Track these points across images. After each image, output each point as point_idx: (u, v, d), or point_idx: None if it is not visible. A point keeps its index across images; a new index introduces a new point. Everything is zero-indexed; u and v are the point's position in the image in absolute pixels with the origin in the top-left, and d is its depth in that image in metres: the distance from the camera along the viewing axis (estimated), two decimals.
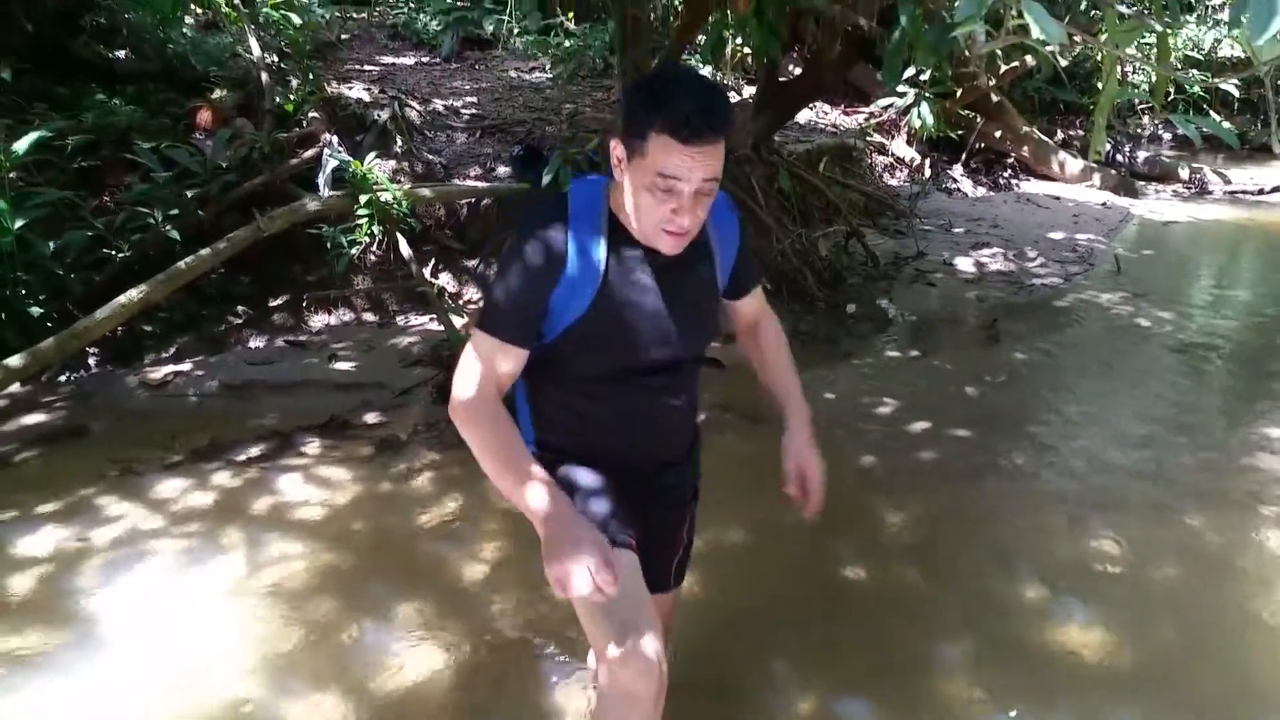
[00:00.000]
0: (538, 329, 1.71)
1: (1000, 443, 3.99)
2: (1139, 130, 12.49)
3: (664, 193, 1.56)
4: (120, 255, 4.63)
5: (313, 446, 3.78)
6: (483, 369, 1.69)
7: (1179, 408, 4.39)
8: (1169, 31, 2.12)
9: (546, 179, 5.22)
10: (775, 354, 2.02)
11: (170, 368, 4.53)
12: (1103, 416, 4.29)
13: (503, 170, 6.11)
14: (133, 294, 4.15)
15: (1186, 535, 3.27)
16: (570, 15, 8.89)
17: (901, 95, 8.45)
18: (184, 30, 6.62)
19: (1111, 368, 4.92)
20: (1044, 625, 2.75)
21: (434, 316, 5.02)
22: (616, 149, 1.63)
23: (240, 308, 5.04)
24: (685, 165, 1.53)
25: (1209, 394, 4.73)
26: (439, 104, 6.84)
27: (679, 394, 1.86)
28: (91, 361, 4.52)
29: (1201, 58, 11.91)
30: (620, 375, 1.78)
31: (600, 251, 1.67)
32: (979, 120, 10.03)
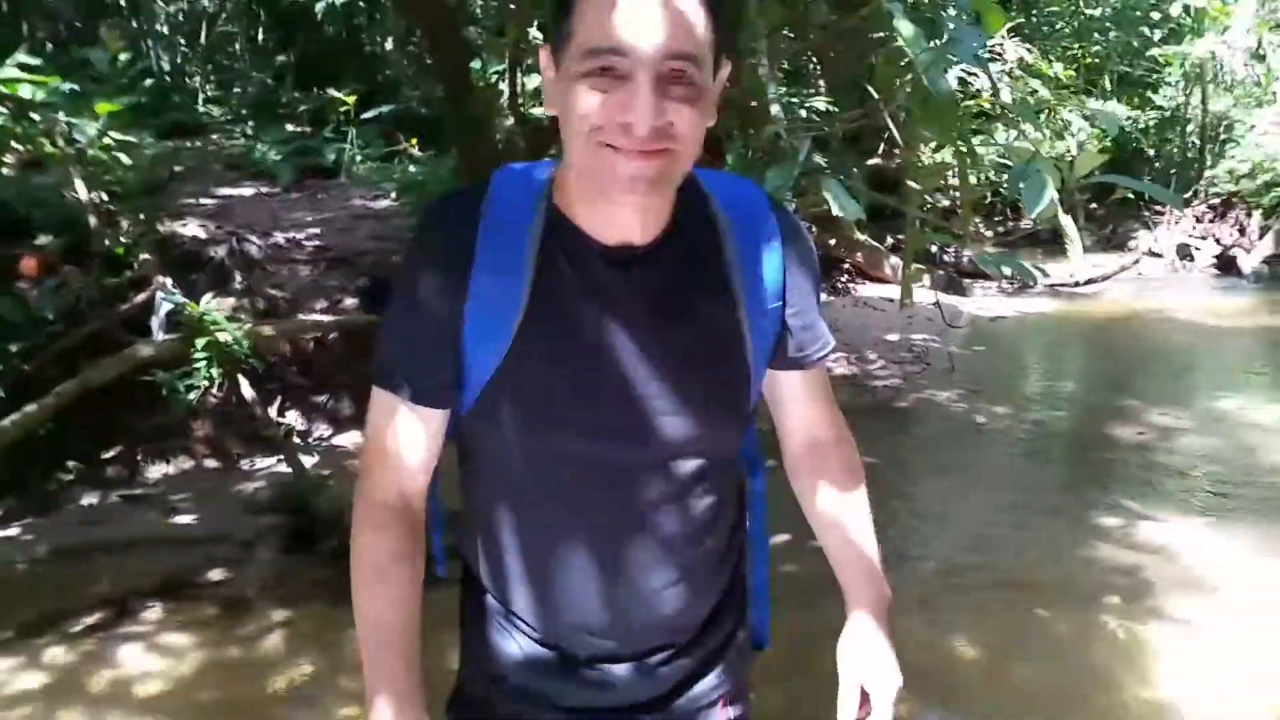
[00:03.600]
0: (449, 378, 1.11)
1: None
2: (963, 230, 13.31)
3: (601, 78, 0.94)
4: None
5: (153, 611, 3.56)
6: (374, 448, 1.17)
7: (1020, 503, 4.61)
8: (969, 160, 2.29)
9: None
10: (847, 504, 1.28)
11: None
12: (949, 516, 4.46)
13: (350, 302, 6.02)
14: None
15: (1040, 631, 3.39)
16: (413, 142, 8.96)
17: None
18: (4, 171, 6.36)
19: (953, 467, 5.14)
20: None
21: (281, 458, 4.85)
22: (544, 62, 1.06)
23: (70, 462, 4.75)
24: (630, 20, 0.92)
25: (1046, 488, 4.97)
26: (280, 236, 6.73)
27: (671, 524, 1.16)
28: None
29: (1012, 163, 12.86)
30: (559, 481, 1.14)
31: (527, 258, 1.07)
32: (813, 229, 10.52)
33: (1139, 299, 10.20)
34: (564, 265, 1.08)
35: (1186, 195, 12.72)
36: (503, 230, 1.07)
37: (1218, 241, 12.20)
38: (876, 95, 2.25)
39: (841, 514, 1.27)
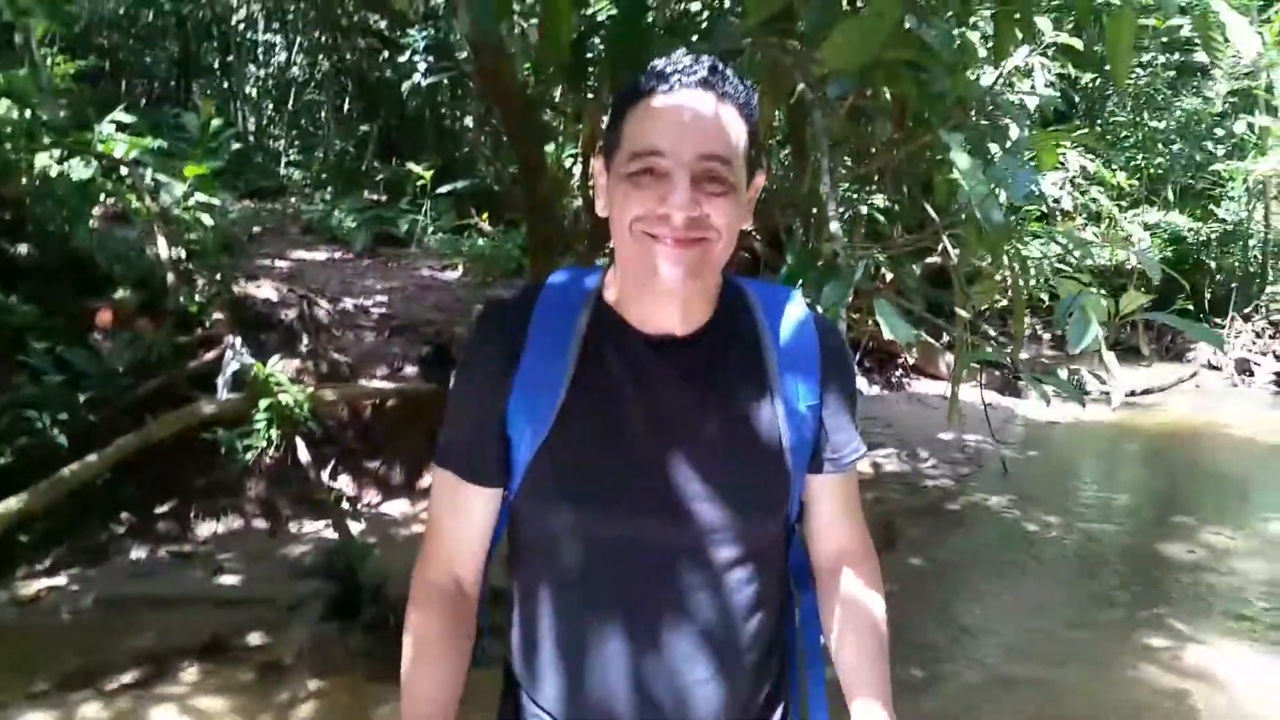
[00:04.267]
0: (498, 457, 1.18)
1: (898, 653, 4.03)
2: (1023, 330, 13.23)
3: (644, 176, 1.06)
4: (1, 460, 4.47)
5: (191, 672, 3.60)
6: (432, 525, 1.25)
7: (1067, 617, 4.53)
8: (1023, 271, 2.33)
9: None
10: (866, 623, 1.28)
11: (45, 582, 4.31)
12: (995, 627, 4.38)
13: (410, 370, 6.16)
14: (11, 503, 3.99)
15: None
16: (485, 217, 9.19)
17: None
18: (91, 224, 6.64)
19: (1002, 575, 5.06)
20: None
21: (329, 523, 4.93)
22: (597, 169, 1.18)
23: (124, 514, 4.86)
24: (667, 127, 1.06)
25: (1094, 602, 4.87)
26: (349, 302, 6.93)
27: (707, 612, 1.18)
28: None
29: (1072, 269, 12.82)
30: (596, 563, 1.18)
31: (572, 343, 1.16)
32: (870, 322, 10.54)
33: (1196, 412, 10.02)
34: (608, 351, 1.16)
35: (1247, 310, 12.54)
36: (552, 320, 1.17)
37: (1278, 357, 11.98)
38: (934, 213, 2.31)
39: (859, 632, 1.28)
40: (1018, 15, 2.29)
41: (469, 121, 11.22)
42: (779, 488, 1.20)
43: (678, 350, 1.17)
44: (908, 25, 2.19)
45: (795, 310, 1.24)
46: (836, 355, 1.25)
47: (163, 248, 5.96)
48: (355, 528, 4.76)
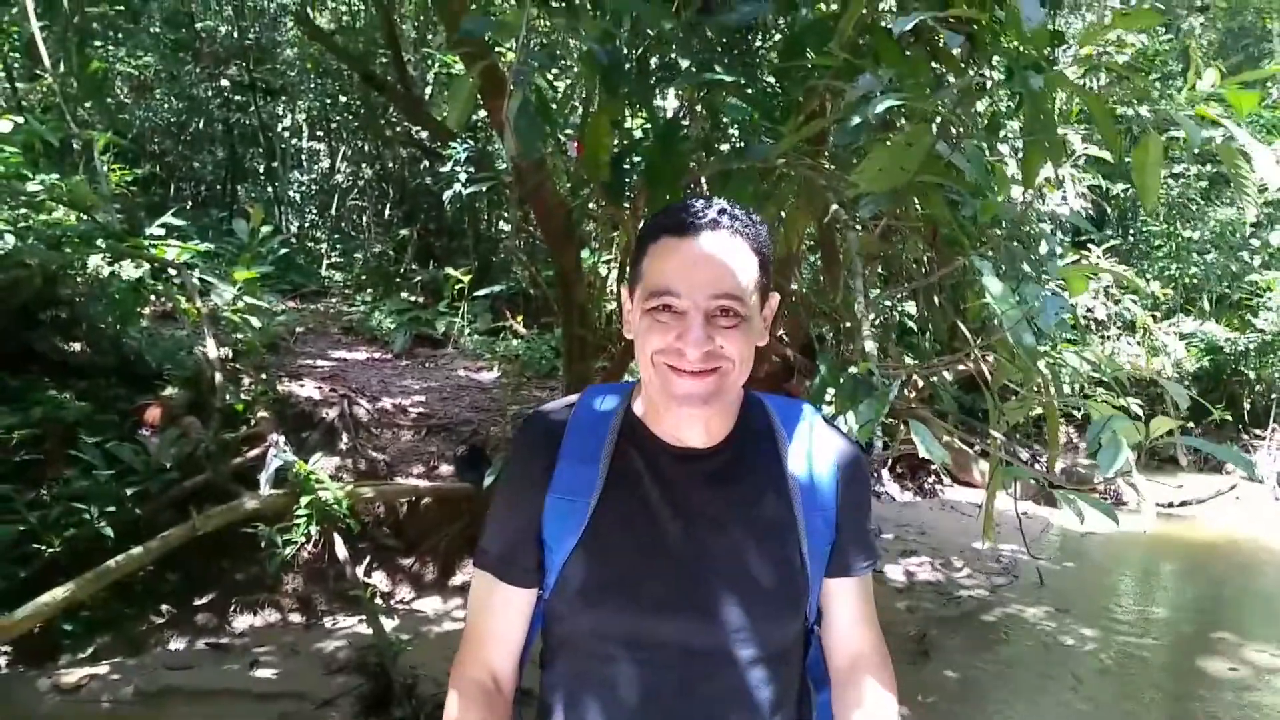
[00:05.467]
0: (535, 562, 1.28)
1: None
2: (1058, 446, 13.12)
3: (663, 311, 1.17)
4: (50, 550, 4.57)
5: None
6: (470, 624, 1.32)
7: None
8: (1054, 390, 2.38)
9: (489, 480, 5.35)
10: None
11: (86, 670, 4.37)
12: None
13: (446, 469, 6.23)
14: (57, 593, 4.07)
15: None
16: (520, 319, 9.39)
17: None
18: (141, 323, 6.86)
19: (1038, 690, 4.96)
20: None
21: (363, 618, 4.95)
22: (624, 296, 1.28)
23: (164, 606, 4.94)
24: (683, 268, 1.16)
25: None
26: (388, 401, 7.06)
27: (729, 707, 1.24)
28: (2, 661, 4.37)
29: (1104, 376, 12.79)
30: (623, 663, 1.23)
31: (603, 457, 1.26)
32: (903, 427, 10.53)
33: (1236, 525, 9.85)
34: (637, 461, 1.27)
35: None
36: (586, 429, 1.29)
37: None
38: (965, 331, 2.39)
39: None
40: (1046, 141, 2.40)
41: (506, 227, 11.53)
42: (798, 591, 1.27)
43: (702, 460, 1.27)
44: (938, 149, 2.30)
45: (813, 424, 1.34)
46: (852, 468, 1.33)
47: (211, 347, 6.14)
48: (388, 624, 4.78)
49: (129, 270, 6.53)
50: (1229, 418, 11.98)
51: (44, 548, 4.58)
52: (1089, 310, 11.29)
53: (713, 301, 1.16)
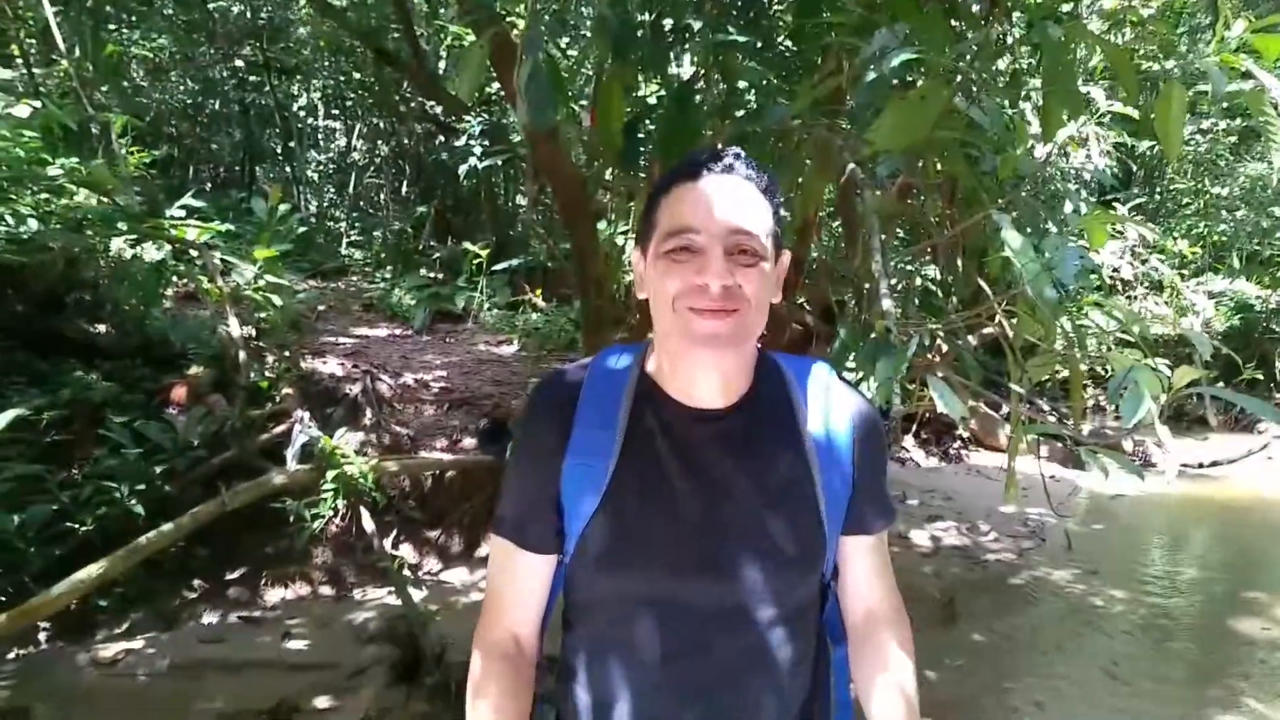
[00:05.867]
0: (553, 527, 1.27)
1: None
2: (1082, 402, 13.03)
3: (680, 253, 1.17)
4: (83, 529, 4.63)
5: None
6: (491, 591, 1.32)
7: (1135, 697, 4.41)
8: (1079, 350, 2.35)
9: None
10: (895, 683, 1.31)
11: (122, 645, 4.44)
12: (1061, 705, 4.28)
13: (468, 443, 6.26)
14: (91, 570, 4.12)
15: None
16: (538, 292, 9.39)
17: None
18: (164, 304, 6.91)
19: (1067, 653, 4.95)
20: None
21: (392, 590, 5.00)
22: (635, 258, 1.28)
23: (196, 581, 5.00)
24: (698, 207, 1.17)
25: (1164, 680, 4.73)
26: (409, 377, 7.09)
27: (751, 665, 1.25)
28: (42, 637, 4.45)
29: (1132, 338, 12.65)
30: (645, 627, 1.23)
31: (620, 414, 1.25)
32: (924, 389, 10.48)
33: (1267, 485, 9.75)
34: (653, 423, 1.26)
35: None
36: (600, 396, 1.27)
37: None
38: (987, 288, 2.36)
39: (889, 690, 1.31)
40: (1065, 93, 2.35)
41: (522, 201, 11.51)
42: (815, 549, 1.27)
43: (718, 421, 1.26)
44: (956, 104, 2.27)
45: (828, 383, 1.33)
46: (868, 426, 1.32)
47: (234, 326, 6.17)
48: (417, 595, 4.83)
49: (151, 252, 6.57)
50: (1260, 377, 11.84)
51: (77, 526, 4.64)
52: (1115, 270, 11.16)
53: (730, 237, 1.16)
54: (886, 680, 1.32)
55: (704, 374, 1.25)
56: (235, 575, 5.12)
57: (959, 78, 2.18)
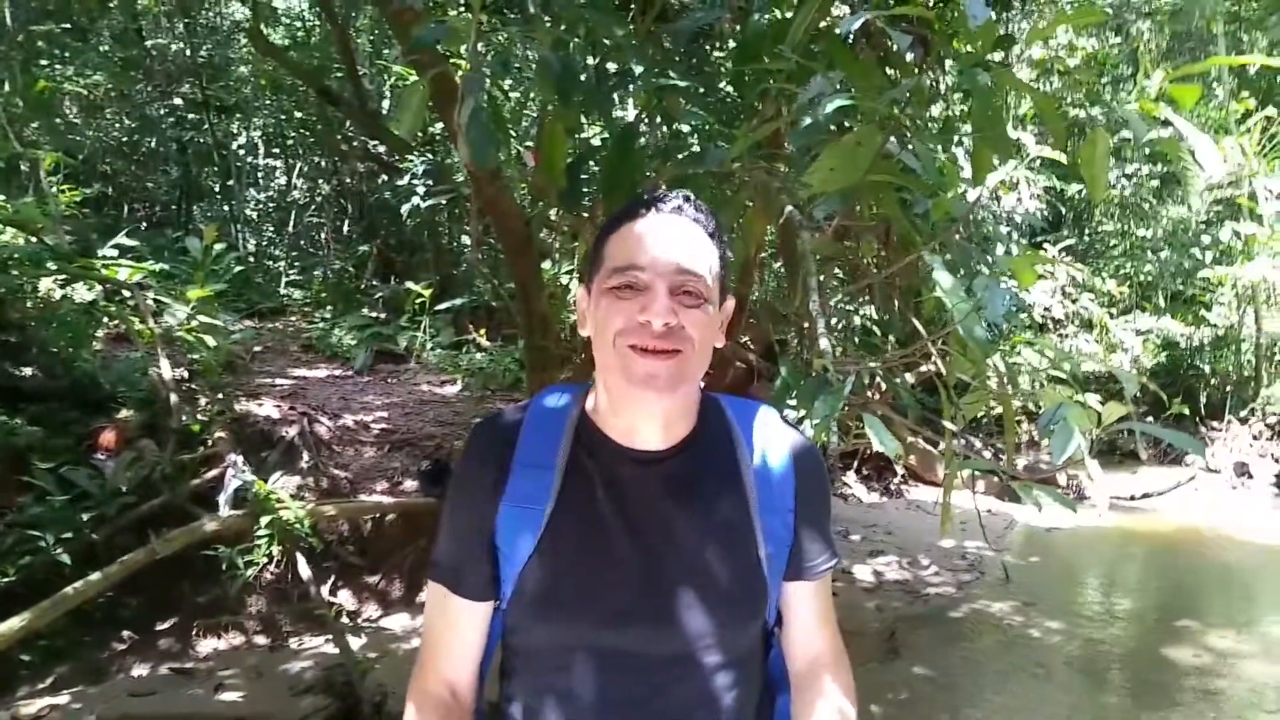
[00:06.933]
0: (489, 572, 1.24)
1: None
2: (1016, 438, 13.28)
3: (626, 289, 1.16)
4: (5, 579, 4.46)
5: None
6: (427, 638, 1.29)
7: None
8: (1011, 387, 2.40)
9: None
10: None
11: (47, 700, 4.27)
12: None
13: (410, 485, 6.18)
14: (14, 623, 3.97)
15: None
16: (482, 332, 9.34)
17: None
18: (95, 345, 6.74)
19: (1007, 683, 5.00)
20: None
21: (330, 638, 4.89)
22: (581, 295, 1.27)
23: (125, 632, 4.85)
24: (645, 245, 1.16)
25: (1101, 710, 4.81)
26: (349, 418, 6.99)
27: (694, 715, 1.22)
28: None
29: (1064, 375, 12.95)
30: (586, 675, 1.20)
31: (558, 460, 1.22)
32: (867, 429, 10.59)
33: (1197, 516, 10.00)
34: (592, 466, 1.23)
35: (1243, 413, 12.59)
36: (539, 434, 1.24)
37: (1276, 460, 11.99)
38: (921, 328, 2.41)
39: None
40: (995, 138, 2.42)
41: (466, 240, 11.48)
42: (757, 593, 1.25)
43: (659, 463, 1.24)
44: (890, 148, 2.32)
45: (770, 424, 1.32)
46: (810, 468, 1.31)
47: (165, 368, 6.04)
48: (355, 643, 4.72)
49: (81, 292, 6.43)
50: (1186, 412, 12.16)
51: None
52: (1047, 309, 11.44)
53: (676, 277, 1.16)
54: None
55: (645, 415, 1.23)
56: (166, 625, 4.97)
57: (892, 123, 2.23)
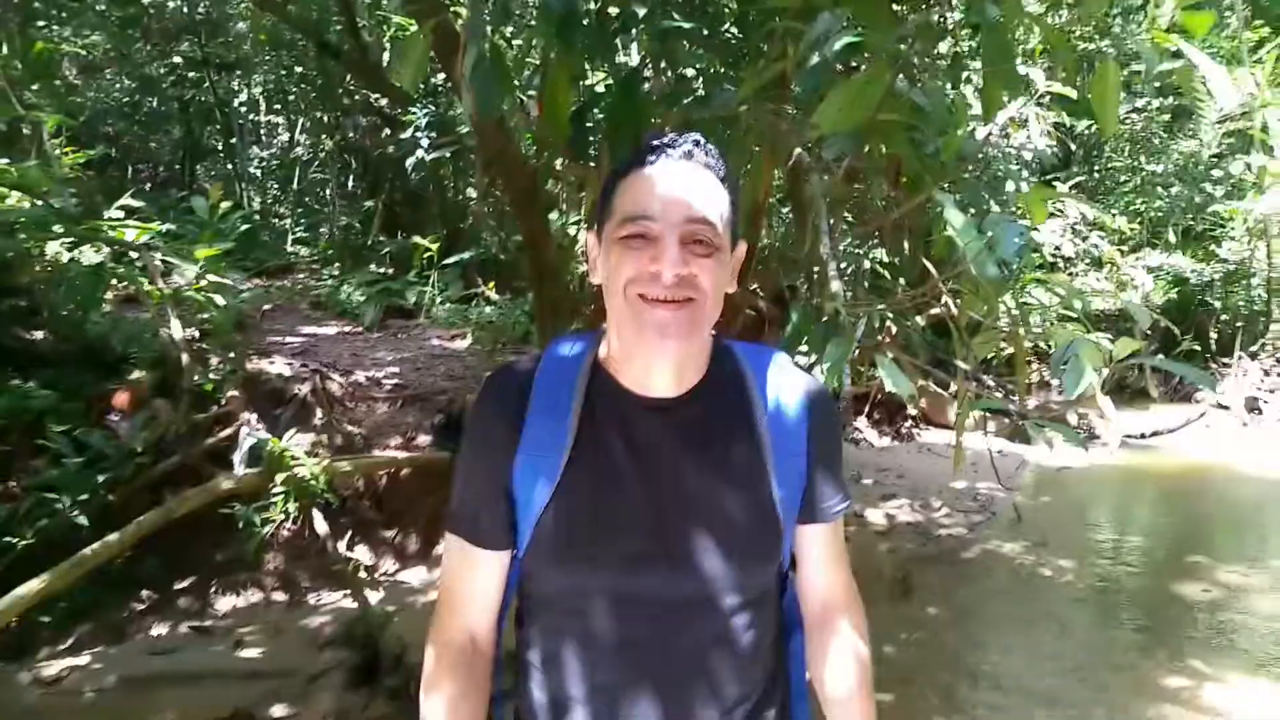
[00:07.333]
0: (505, 521, 1.25)
1: (916, 701, 4.04)
2: (1027, 378, 13.25)
3: (635, 239, 1.15)
4: (23, 543, 4.51)
5: None
6: (444, 589, 1.30)
7: (1085, 661, 4.51)
8: (1022, 327, 2.39)
9: None
10: (851, 671, 1.33)
11: (67, 661, 4.32)
12: (1013, 673, 4.37)
13: (424, 439, 6.20)
14: (33, 585, 4.01)
15: None
16: (491, 285, 9.32)
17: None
18: (104, 308, 6.73)
19: (1018, 622, 5.05)
20: None
21: (348, 593, 4.94)
22: (590, 242, 1.26)
23: (144, 592, 4.88)
24: (656, 194, 1.15)
25: (1112, 645, 4.84)
26: (361, 375, 7.00)
27: (715, 663, 1.24)
28: None
29: (1075, 315, 12.88)
30: (603, 620, 1.22)
31: (573, 403, 1.22)
32: (875, 376, 10.59)
33: (1207, 452, 10.01)
34: (604, 412, 1.23)
35: (1253, 348, 12.53)
36: (552, 384, 1.24)
37: None
38: (933, 268, 2.38)
39: (844, 674, 1.32)
40: (1005, 74, 2.38)
41: (472, 193, 11.41)
42: (771, 538, 1.26)
43: (671, 411, 1.24)
44: (899, 87, 2.28)
45: (783, 369, 1.32)
46: (823, 412, 1.31)
47: (176, 329, 6.04)
48: (373, 597, 4.77)
49: (89, 255, 6.40)
50: (1197, 348, 12.12)
51: (16, 541, 4.51)
52: (1057, 248, 11.35)
53: (687, 225, 1.15)
54: (842, 663, 1.32)
55: (657, 364, 1.23)
56: (184, 584, 5.01)
57: (901, 61, 2.19)
